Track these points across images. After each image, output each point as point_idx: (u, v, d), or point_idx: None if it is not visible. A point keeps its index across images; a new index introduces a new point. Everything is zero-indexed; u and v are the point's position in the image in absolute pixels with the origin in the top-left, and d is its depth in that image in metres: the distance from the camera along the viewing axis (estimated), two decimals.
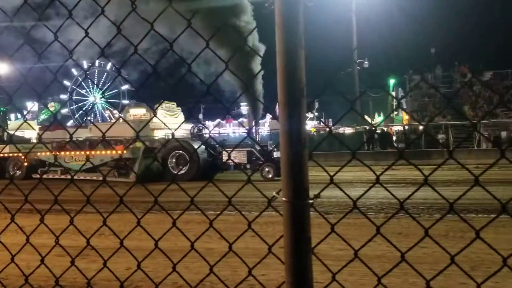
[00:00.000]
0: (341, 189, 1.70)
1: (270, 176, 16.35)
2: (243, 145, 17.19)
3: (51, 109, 40.15)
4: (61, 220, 2.74)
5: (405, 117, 28.11)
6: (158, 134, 28.23)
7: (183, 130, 21.58)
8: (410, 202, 9.21)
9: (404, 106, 30.08)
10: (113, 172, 17.36)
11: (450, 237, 5.66)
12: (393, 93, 34.35)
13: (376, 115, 31.53)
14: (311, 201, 1.51)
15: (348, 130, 28.37)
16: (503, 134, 24.06)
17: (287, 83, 1.56)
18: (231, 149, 16.21)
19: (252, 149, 17.10)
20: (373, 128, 26.87)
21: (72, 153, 18.34)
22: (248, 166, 17.02)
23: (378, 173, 1.69)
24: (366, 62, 28.57)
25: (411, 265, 1.64)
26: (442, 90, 29.51)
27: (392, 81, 32.53)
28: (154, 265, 3.62)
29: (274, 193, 1.58)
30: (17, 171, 18.74)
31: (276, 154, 16.90)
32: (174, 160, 17.48)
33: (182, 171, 16.96)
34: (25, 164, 18.58)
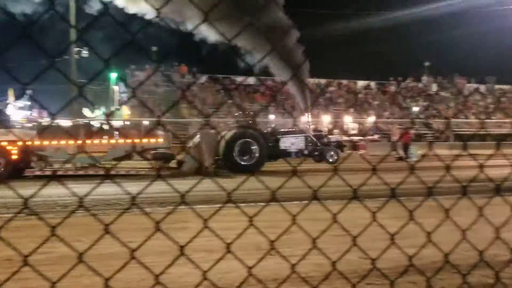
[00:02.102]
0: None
1: (336, 158, 16.62)
2: (299, 131, 16.98)
3: None
4: None
5: (126, 112, 28.03)
6: None
7: None
8: (144, 196, 8.93)
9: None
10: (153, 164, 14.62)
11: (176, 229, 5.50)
12: (117, 87, 33.87)
13: (97, 109, 30.36)
14: None
15: (68, 123, 26.28)
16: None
17: None
18: (289, 135, 16.45)
19: (308, 134, 16.92)
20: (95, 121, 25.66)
21: (79, 142, 14.25)
22: (305, 152, 16.55)
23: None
24: (85, 52, 26.85)
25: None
26: (163, 88, 30.93)
27: (114, 75, 31.93)
28: None
29: None
30: None
31: (333, 138, 17.69)
32: (238, 148, 15.17)
33: (252, 161, 15.09)
34: (14, 157, 14.07)
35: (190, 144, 15.28)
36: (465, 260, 3.25)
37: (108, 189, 6.97)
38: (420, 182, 2.41)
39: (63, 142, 14.18)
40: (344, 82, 38.18)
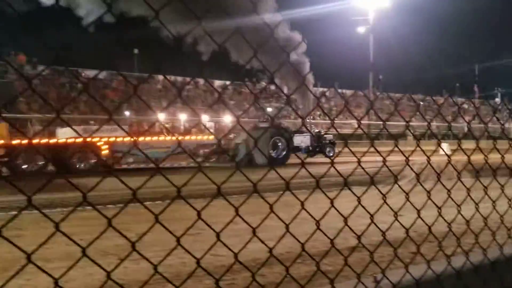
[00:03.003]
0: None
1: (333, 153, 19.70)
2: (304, 131, 19.27)
3: None
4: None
5: None
6: None
7: None
8: None
9: None
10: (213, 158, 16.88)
11: None
12: None
13: None
14: None
15: None
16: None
17: None
18: (300, 134, 19.11)
19: (311, 134, 20.03)
20: None
21: (150, 138, 16.06)
22: (310, 148, 19.56)
23: None
24: None
25: None
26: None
27: None
28: None
29: None
30: (81, 164, 14.90)
31: (328, 137, 20.38)
32: (270, 144, 17.56)
33: (281, 155, 17.41)
34: (104, 152, 14.93)
35: (239, 140, 17.30)
36: (293, 252, 3.41)
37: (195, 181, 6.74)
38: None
39: (155, 138, 15.77)
40: (201, 81, 38.45)
